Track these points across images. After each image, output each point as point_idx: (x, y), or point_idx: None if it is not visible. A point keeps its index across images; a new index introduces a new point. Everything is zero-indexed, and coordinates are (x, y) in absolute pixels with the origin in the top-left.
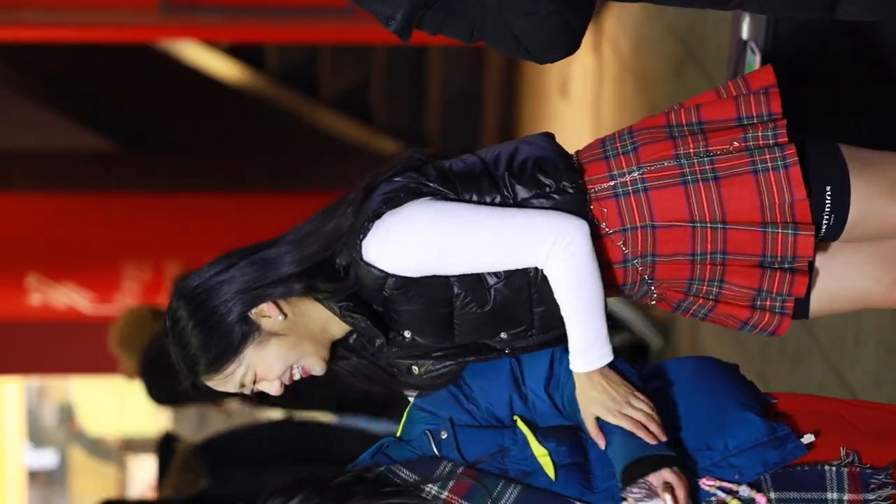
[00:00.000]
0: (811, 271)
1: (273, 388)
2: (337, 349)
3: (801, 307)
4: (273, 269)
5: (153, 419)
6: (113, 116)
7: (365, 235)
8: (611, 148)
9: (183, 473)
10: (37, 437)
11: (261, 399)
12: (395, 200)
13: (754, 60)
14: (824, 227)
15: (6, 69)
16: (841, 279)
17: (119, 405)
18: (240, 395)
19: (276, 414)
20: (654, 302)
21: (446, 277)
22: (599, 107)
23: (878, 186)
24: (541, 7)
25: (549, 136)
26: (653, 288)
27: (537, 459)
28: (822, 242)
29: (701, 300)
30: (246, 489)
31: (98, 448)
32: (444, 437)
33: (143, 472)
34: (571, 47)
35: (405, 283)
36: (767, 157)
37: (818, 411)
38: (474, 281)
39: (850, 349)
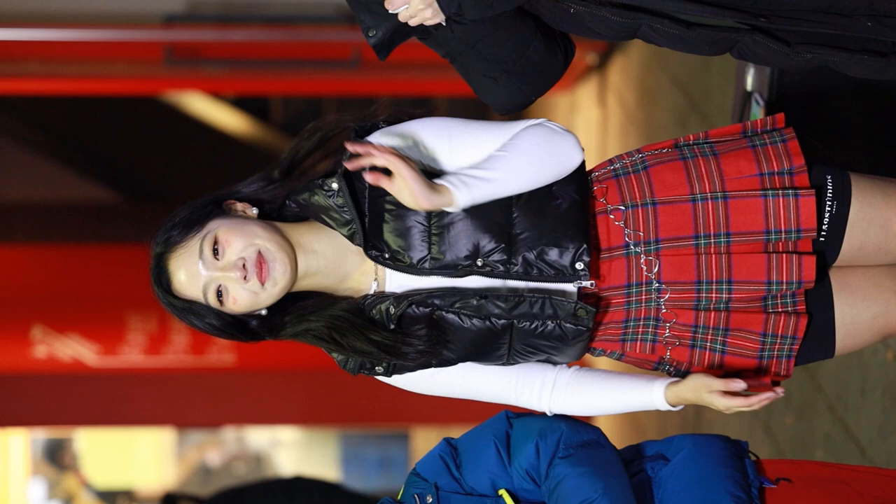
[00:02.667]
0: (832, 303)
1: (235, 274)
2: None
3: (826, 341)
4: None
5: (159, 471)
6: (117, 168)
7: (368, 132)
8: (616, 155)
9: None
10: (42, 489)
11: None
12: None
13: (759, 112)
14: (827, 214)
15: (9, 121)
16: (859, 291)
17: (125, 457)
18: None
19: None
20: (668, 349)
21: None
22: (604, 158)
23: (879, 189)
24: (498, 76)
25: None
26: (662, 302)
27: None
28: (835, 269)
29: (713, 317)
30: None
31: (104, 500)
32: (429, 501)
33: None
34: (523, 107)
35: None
36: (766, 137)
37: (822, 479)
38: None
39: (856, 400)
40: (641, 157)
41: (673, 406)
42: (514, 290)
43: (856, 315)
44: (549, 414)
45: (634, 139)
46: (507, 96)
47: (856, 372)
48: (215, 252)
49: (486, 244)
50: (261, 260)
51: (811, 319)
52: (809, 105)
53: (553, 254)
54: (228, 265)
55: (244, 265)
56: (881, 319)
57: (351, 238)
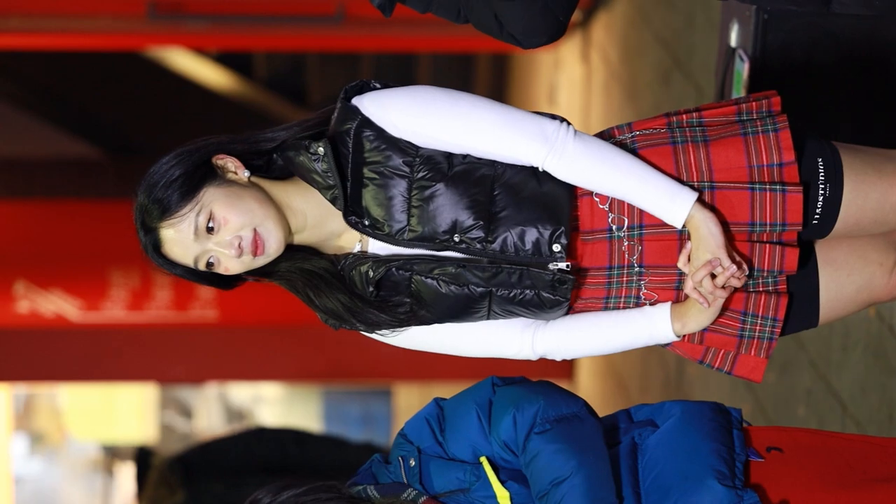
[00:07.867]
0: (817, 274)
1: (231, 252)
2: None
3: (809, 313)
4: (251, 137)
5: (141, 427)
6: (99, 124)
7: (358, 93)
8: (606, 130)
9: (159, 488)
10: (24, 444)
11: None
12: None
13: (742, 68)
14: (820, 197)
15: None
16: (844, 266)
17: (107, 413)
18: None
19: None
20: None
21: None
22: (588, 115)
23: (870, 164)
24: None
25: None
26: (642, 284)
27: (499, 501)
28: (822, 242)
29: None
30: (223, 502)
31: (85, 456)
32: (412, 464)
33: (130, 481)
34: (555, 33)
35: (377, 133)
36: (758, 124)
37: (812, 447)
38: (439, 154)
39: (838, 357)
40: (632, 136)
41: (678, 331)
42: (493, 261)
43: (840, 289)
44: (533, 357)
45: (618, 96)
46: (540, 18)
47: (838, 328)
48: (210, 229)
49: (465, 220)
50: (257, 238)
51: (794, 295)
52: (793, 61)
53: (531, 234)
54: (223, 243)
55: (240, 244)
56: (865, 292)
57: (333, 202)
